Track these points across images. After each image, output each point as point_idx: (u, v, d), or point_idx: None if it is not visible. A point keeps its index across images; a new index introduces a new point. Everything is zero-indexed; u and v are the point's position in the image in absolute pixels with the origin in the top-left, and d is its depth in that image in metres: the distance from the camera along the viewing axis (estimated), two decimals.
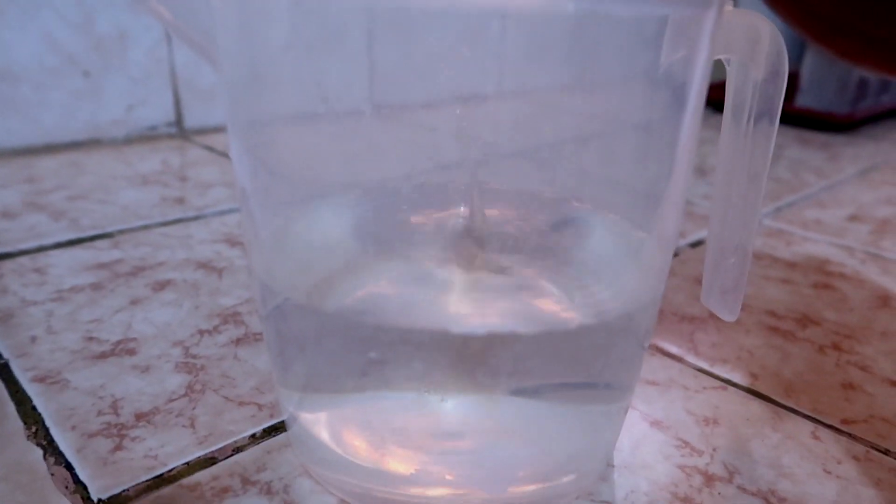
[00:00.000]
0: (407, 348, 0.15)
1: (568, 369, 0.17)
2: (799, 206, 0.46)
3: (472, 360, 0.15)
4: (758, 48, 0.19)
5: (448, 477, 0.17)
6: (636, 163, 0.17)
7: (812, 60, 0.71)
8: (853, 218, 0.44)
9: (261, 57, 0.15)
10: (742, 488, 0.19)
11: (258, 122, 0.15)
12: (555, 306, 0.15)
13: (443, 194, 0.15)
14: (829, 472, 0.20)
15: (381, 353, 0.15)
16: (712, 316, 0.29)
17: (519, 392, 0.16)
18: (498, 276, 0.15)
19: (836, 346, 0.27)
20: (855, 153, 0.61)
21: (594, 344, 0.17)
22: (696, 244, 0.37)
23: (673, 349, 0.26)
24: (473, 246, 0.15)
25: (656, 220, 0.17)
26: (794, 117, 0.70)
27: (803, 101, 0.70)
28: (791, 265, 0.36)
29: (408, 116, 0.14)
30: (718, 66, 0.18)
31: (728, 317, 0.22)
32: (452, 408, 0.17)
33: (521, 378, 0.16)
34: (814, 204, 0.47)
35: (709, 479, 0.19)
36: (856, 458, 0.21)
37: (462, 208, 0.15)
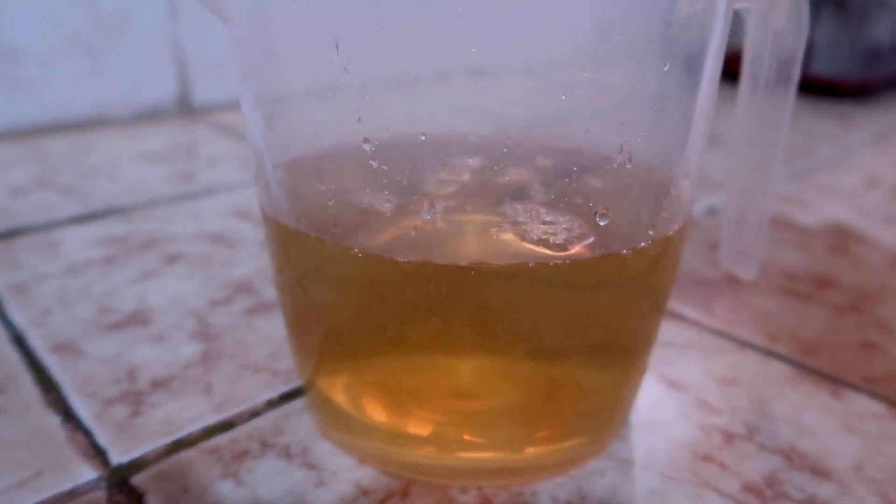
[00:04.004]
0: (424, 295, 0.14)
1: (584, 324, 0.16)
2: (812, 171, 0.45)
3: (492, 311, 0.15)
4: None
5: (466, 437, 0.17)
6: (652, 125, 0.16)
7: (824, 27, 0.70)
8: (867, 183, 0.44)
9: (271, 9, 0.14)
10: (763, 446, 0.19)
11: (267, 74, 0.15)
12: (574, 250, 0.15)
13: (459, 144, 0.15)
14: (851, 429, 0.20)
15: (400, 303, 0.15)
16: (728, 279, 0.29)
17: (535, 351, 0.16)
18: (517, 221, 0.15)
19: (854, 307, 0.27)
20: (867, 119, 0.61)
21: (612, 299, 0.16)
22: (710, 211, 0.37)
23: (690, 312, 0.26)
24: (492, 190, 0.15)
25: (680, 166, 0.16)
26: (805, 84, 0.69)
27: (814, 67, 0.69)
28: (806, 229, 0.35)
29: (418, 88, 0.14)
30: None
31: (747, 275, 0.22)
32: (469, 368, 0.17)
33: (536, 333, 0.16)
34: (827, 170, 0.46)
35: (729, 437, 0.19)
36: (877, 416, 0.21)
37: (480, 157, 0.15)
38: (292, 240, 0.16)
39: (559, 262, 0.15)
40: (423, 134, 0.14)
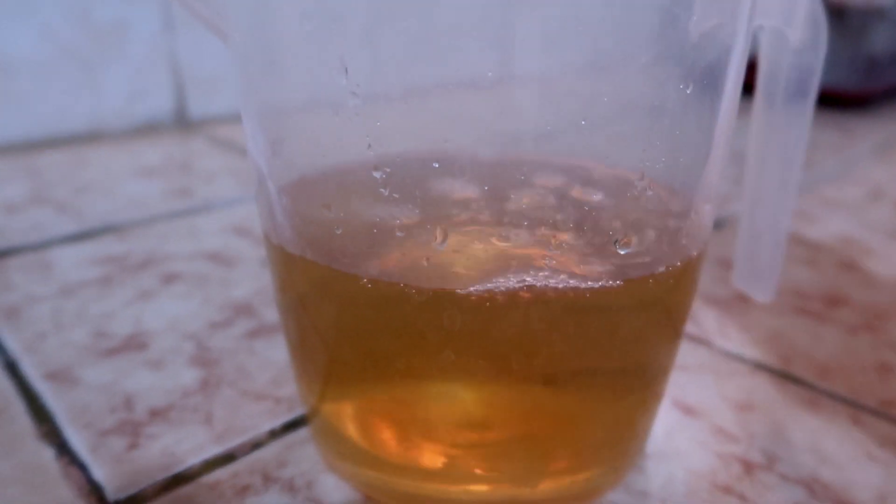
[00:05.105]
0: (436, 325, 0.14)
1: (602, 352, 0.16)
2: (817, 184, 0.45)
3: (507, 341, 0.14)
4: (794, 12, 0.18)
5: (477, 471, 0.17)
6: (673, 149, 0.16)
7: None
8: (872, 196, 0.43)
9: (271, 28, 0.14)
10: (784, 476, 0.18)
11: (271, 97, 0.14)
12: (592, 279, 0.14)
13: (473, 169, 0.14)
14: (873, 457, 0.19)
15: (411, 334, 0.14)
16: (739, 298, 0.28)
17: (550, 380, 0.16)
18: (533, 249, 0.14)
19: (867, 327, 0.26)
20: (868, 130, 0.60)
21: (631, 326, 0.16)
22: (720, 226, 0.36)
23: (701, 333, 0.25)
24: (507, 218, 0.14)
25: (700, 190, 0.16)
26: None
27: None
28: (814, 245, 0.35)
29: (429, 105, 0.13)
30: None
31: (763, 297, 0.21)
32: (482, 399, 0.16)
33: (552, 362, 0.15)
34: (831, 182, 0.46)
35: (748, 466, 0.19)
36: None
37: (495, 182, 0.14)
38: (298, 268, 0.15)
39: (577, 290, 0.14)
40: (436, 162, 0.13)
